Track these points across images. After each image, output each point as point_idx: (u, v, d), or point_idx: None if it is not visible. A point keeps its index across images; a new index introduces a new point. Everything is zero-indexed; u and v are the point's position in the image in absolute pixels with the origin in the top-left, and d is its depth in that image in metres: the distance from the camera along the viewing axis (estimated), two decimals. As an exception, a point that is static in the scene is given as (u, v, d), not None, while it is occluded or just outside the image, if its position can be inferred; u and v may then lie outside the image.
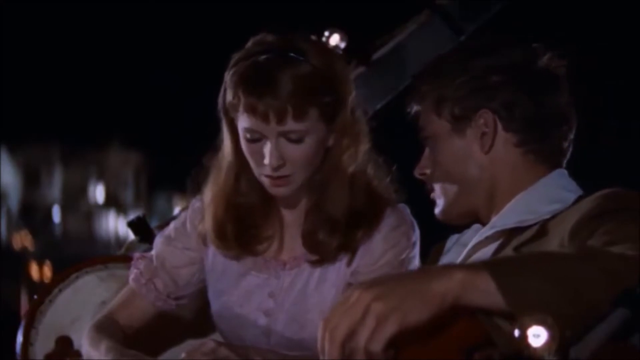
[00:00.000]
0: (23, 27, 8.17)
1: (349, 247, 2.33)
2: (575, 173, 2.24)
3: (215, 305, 2.43)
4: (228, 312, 2.40)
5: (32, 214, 10.59)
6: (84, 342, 2.40)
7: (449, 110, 2.20)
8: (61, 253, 9.90)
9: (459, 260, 2.20)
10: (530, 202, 2.10)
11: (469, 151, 2.20)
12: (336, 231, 2.31)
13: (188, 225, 2.46)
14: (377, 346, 1.49)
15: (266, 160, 2.21)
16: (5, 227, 10.27)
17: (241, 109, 2.22)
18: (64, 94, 8.73)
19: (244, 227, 2.36)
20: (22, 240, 10.36)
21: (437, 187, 2.24)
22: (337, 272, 2.35)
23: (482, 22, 3.01)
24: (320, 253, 2.33)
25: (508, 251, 2.02)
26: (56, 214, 10.71)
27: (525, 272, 1.52)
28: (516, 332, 1.38)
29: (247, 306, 2.38)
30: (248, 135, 2.25)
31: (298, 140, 2.21)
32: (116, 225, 10.83)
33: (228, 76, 2.28)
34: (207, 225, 2.38)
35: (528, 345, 1.37)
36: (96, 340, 2.36)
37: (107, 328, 2.40)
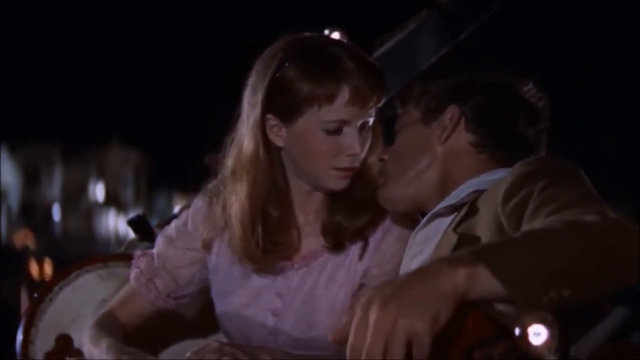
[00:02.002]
0: (23, 27, 8.18)
1: (364, 233, 2.32)
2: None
3: (220, 306, 2.41)
4: (234, 312, 2.38)
5: (32, 212, 10.60)
6: (85, 340, 2.40)
7: (426, 103, 2.24)
8: (61, 251, 9.91)
9: (410, 254, 2.21)
10: (462, 190, 2.14)
11: (427, 139, 2.22)
12: (357, 215, 2.31)
13: (190, 224, 2.43)
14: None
15: (355, 149, 2.20)
16: (5, 225, 10.29)
17: (340, 96, 2.18)
18: (64, 93, 8.74)
19: (272, 241, 2.33)
20: (23, 238, 10.37)
21: (388, 171, 2.26)
22: (347, 271, 2.33)
23: (482, 22, 3.01)
24: (341, 238, 2.32)
25: (449, 232, 2.05)
26: (56, 213, 10.72)
27: (513, 252, 1.54)
28: (516, 331, 1.38)
29: (254, 307, 2.36)
30: (331, 127, 2.21)
31: (370, 127, 2.25)
32: (116, 223, 10.84)
33: (298, 72, 2.20)
34: (236, 239, 2.32)
35: (528, 344, 1.37)
36: (97, 337, 2.35)
37: (107, 325, 2.39)
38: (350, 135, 2.22)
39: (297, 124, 2.22)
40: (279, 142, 2.25)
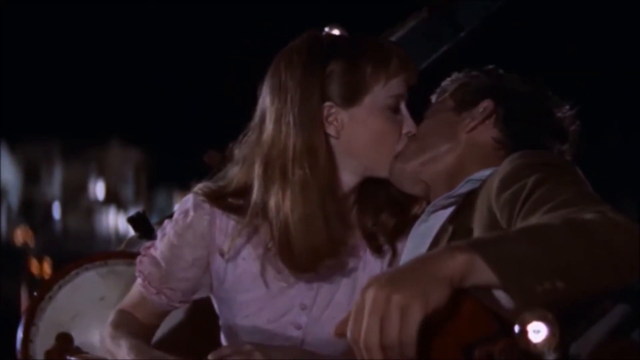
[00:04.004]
0: (23, 26, 8.19)
1: (402, 233, 2.29)
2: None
3: (237, 320, 2.33)
4: (255, 328, 2.31)
5: (32, 210, 10.61)
6: (105, 341, 2.35)
7: (463, 94, 2.27)
8: (61, 249, 9.91)
9: (410, 246, 2.22)
10: (463, 183, 2.17)
11: (454, 126, 2.26)
12: (398, 212, 2.30)
13: (193, 232, 2.35)
14: (410, 336, 1.49)
15: (413, 126, 2.22)
16: (5, 223, 10.30)
17: (406, 69, 2.21)
18: (64, 92, 8.74)
19: (336, 237, 2.28)
20: (23, 236, 10.38)
21: (407, 147, 2.28)
22: None
23: (482, 20, 3.01)
24: (383, 240, 2.29)
25: (445, 224, 2.08)
26: (56, 211, 10.73)
27: (508, 244, 1.57)
28: (516, 328, 1.39)
29: (277, 322, 2.31)
30: (393, 102, 2.21)
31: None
32: (116, 221, 10.84)
33: (362, 59, 2.22)
34: (298, 239, 2.24)
35: (528, 341, 1.37)
36: (116, 338, 2.31)
37: (125, 325, 2.34)
38: (405, 113, 2.24)
39: (362, 104, 2.21)
40: (333, 132, 2.22)
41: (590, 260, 1.54)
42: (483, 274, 1.52)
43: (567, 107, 2.28)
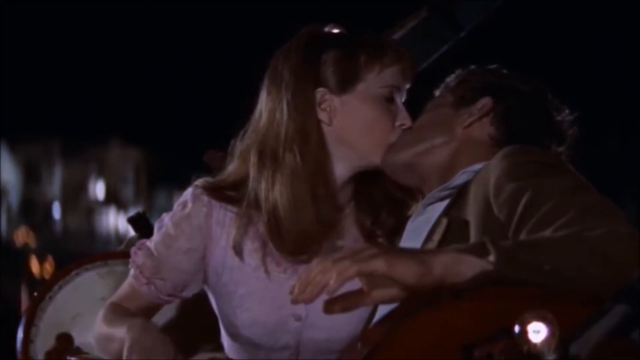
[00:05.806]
0: (23, 25, 8.19)
1: (398, 230, 2.30)
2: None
3: (237, 311, 2.33)
4: (254, 320, 2.31)
5: (32, 210, 10.61)
6: (98, 327, 2.34)
7: (463, 91, 2.28)
8: (61, 249, 9.91)
9: (404, 242, 2.24)
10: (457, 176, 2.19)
11: (451, 121, 2.28)
12: (395, 211, 2.31)
13: (191, 220, 2.36)
14: (354, 268, 1.54)
15: (407, 120, 2.23)
16: (5, 223, 10.29)
17: (401, 61, 2.22)
18: (64, 91, 8.75)
19: (325, 219, 2.29)
20: (23, 236, 10.37)
21: (403, 138, 2.29)
22: None
23: (482, 20, 3.02)
24: (382, 235, 2.30)
25: (440, 218, 2.10)
26: (56, 211, 10.72)
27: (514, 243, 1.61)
28: (516, 328, 1.39)
29: (276, 313, 2.30)
30: (387, 92, 2.22)
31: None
32: (116, 221, 10.84)
33: (358, 48, 2.23)
34: (287, 222, 2.25)
35: (528, 341, 1.38)
36: (116, 318, 2.30)
37: (121, 312, 2.34)
38: (400, 105, 2.26)
39: (355, 91, 2.23)
40: (326, 118, 2.24)
41: (580, 261, 1.56)
42: (471, 262, 1.55)
43: (567, 110, 2.29)
